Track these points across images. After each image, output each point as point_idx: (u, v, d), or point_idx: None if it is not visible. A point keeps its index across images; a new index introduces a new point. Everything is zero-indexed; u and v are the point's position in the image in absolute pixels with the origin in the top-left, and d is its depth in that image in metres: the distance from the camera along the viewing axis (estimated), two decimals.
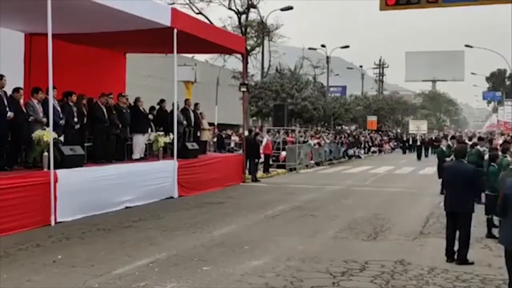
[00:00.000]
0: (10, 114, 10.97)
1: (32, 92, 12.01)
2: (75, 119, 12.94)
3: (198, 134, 18.80)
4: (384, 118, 61.59)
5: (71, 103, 12.93)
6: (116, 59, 18.25)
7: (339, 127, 49.77)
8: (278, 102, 33.14)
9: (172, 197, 14.52)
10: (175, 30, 14.20)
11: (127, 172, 13.14)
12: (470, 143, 17.95)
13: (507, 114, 55.96)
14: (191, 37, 15.15)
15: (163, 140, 15.08)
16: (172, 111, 15.89)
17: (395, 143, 51.25)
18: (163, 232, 10.00)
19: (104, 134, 13.81)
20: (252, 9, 35.41)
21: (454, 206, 8.08)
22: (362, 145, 40.96)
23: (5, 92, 11.08)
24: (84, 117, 13.59)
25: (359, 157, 37.77)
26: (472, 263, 7.85)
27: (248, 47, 33.99)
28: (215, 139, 25.26)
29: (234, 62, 35.94)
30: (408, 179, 22.77)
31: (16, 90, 11.55)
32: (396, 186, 19.10)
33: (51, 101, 11.02)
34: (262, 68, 38.19)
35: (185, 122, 17.08)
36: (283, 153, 25.51)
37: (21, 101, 11.77)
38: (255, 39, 36.87)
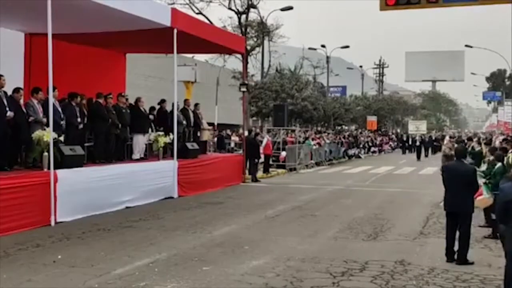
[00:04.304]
0: (10, 114, 10.96)
1: (32, 92, 12.01)
2: (78, 119, 12.96)
3: (198, 134, 18.81)
4: (384, 118, 61.59)
5: (74, 104, 12.97)
6: (116, 59, 18.24)
7: (339, 127, 49.80)
8: (278, 102, 33.13)
9: (172, 197, 14.51)
10: (175, 30, 14.20)
11: (127, 172, 13.13)
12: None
13: (507, 114, 55.98)
14: (191, 37, 15.15)
15: (163, 140, 15.08)
16: (172, 111, 15.89)
17: (395, 143, 51.23)
18: (163, 232, 10.00)
19: (105, 134, 13.82)
20: (252, 9, 35.33)
21: (454, 206, 8.08)
22: (362, 145, 40.98)
23: (5, 92, 11.07)
24: (85, 117, 13.61)
25: (359, 157, 37.77)
26: (472, 263, 7.86)
27: (248, 47, 33.93)
28: (215, 139, 25.27)
29: (234, 62, 35.89)
30: (408, 179, 22.77)
31: (16, 90, 11.54)
32: (396, 186, 19.10)
33: (51, 101, 11.03)
34: (262, 68, 38.16)
35: (184, 122, 17.08)
36: (283, 153, 25.50)
37: (21, 101, 11.77)
38: (255, 39, 36.79)
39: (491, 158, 11.15)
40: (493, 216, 9.79)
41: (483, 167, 11.28)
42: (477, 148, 15.67)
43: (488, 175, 10.22)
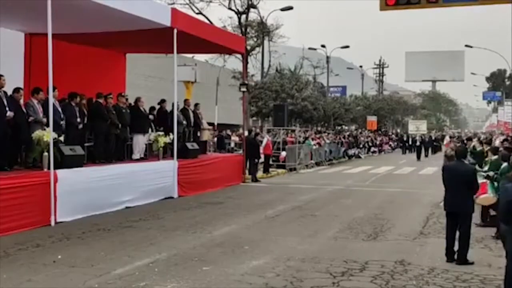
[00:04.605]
0: (9, 113, 10.96)
1: (32, 92, 12.02)
2: (78, 119, 12.97)
3: (198, 134, 18.81)
4: (384, 118, 61.56)
5: (73, 104, 12.98)
6: (116, 59, 18.24)
7: (339, 127, 49.79)
8: (278, 102, 33.14)
9: (172, 197, 14.52)
10: (175, 30, 14.20)
11: (127, 172, 13.13)
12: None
13: (507, 114, 55.95)
14: (191, 37, 15.15)
15: (163, 140, 15.08)
16: (172, 111, 15.89)
17: (395, 143, 51.22)
18: (163, 232, 10.00)
19: (105, 134, 13.82)
20: (252, 9, 35.33)
21: (454, 206, 8.08)
22: (362, 145, 40.96)
23: (5, 92, 11.07)
24: (85, 117, 13.62)
25: (359, 157, 37.77)
26: (472, 263, 7.85)
27: (248, 47, 33.92)
28: (215, 139, 25.27)
29: (234, 62, 35.89)
30: (408, 179, 22.77)
31: (16, 90, 11.55)
32: (396, 186, 19.10)
33: (51, 101, 11.03)
34: (262, 68, 38.15)
35: (184, 122, 17.09)
36: (283, 153, 25.50)
37: (21, 101, 11.77)
38: (255, 39, 36.78)
39: (493, 158, 11.16)
40: (492, 212, 9.83)
41: (485, 167, 11.29)
42: (479, 148, 15.66)
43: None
